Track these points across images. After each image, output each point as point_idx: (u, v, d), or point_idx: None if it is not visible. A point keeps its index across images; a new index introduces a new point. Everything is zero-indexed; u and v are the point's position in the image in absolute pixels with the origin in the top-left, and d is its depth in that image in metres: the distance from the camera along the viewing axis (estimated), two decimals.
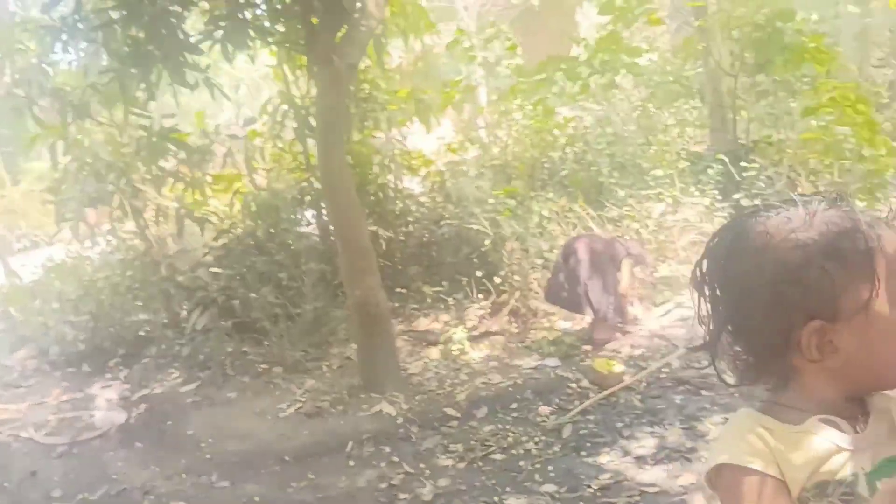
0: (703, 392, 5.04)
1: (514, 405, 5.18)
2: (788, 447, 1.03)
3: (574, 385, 5.39)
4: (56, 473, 5.05)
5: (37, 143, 7.44)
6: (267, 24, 6.02)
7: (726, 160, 7.99)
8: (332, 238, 7.46)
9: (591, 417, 4.89)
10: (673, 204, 7.68)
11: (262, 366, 6.43)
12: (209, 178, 7.80)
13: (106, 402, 6.21)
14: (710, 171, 8.12)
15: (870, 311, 1.00)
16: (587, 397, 5.17)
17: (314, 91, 7.37)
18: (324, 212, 7.73)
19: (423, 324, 7.04)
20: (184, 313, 7.10)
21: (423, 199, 8.23)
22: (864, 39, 13.35)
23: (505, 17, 17.19)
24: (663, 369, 5.46)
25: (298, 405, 5.62)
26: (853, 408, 1.06)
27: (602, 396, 5.06)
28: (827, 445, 1.02)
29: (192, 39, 5.43)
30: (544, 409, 5.07)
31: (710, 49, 9.13)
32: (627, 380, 5.25)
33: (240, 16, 5.61)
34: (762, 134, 9.20)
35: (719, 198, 7.84)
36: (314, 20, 5.28)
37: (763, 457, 1.03)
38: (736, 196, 7.80)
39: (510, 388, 5.46)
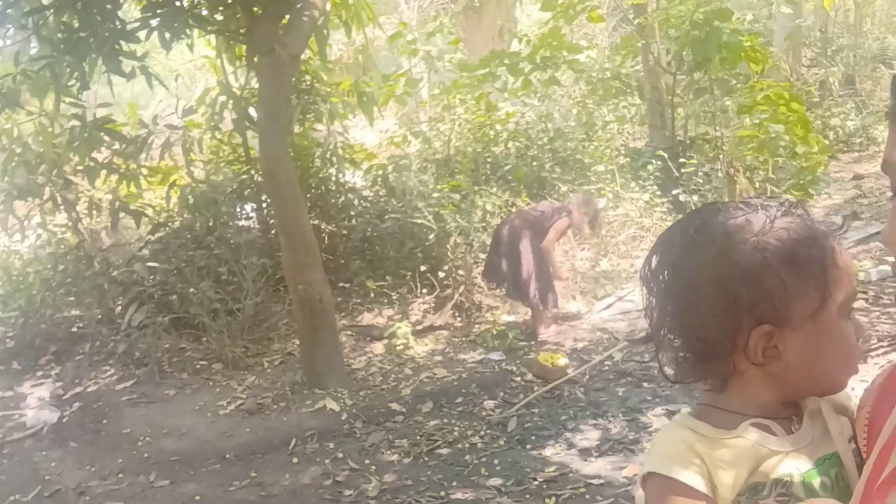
0: (645, 384, 5.13)
1: (460, 399, 5.17)
2: (721, 454, 1.03)
3: (518, 378, 5.42)
4: None
5: None
6: (205, 12, 5.89)
7: (665, 156, 8.12)
8: (274, 232, 7.37)
9: (536, 410, 4.92)
10: (614, 199, 7.77)
11: (201, 362, 6.29)
12: (144, 171, 7.59)
13: (37, 401, 5.99)
14: (649, 167, 8.24)
15: (817, 320, 1.03)
16: (532, 391, 5.20)
17: (253, 82, 7.28)
18: (264, 205, 7.62)
19: (366, 318, 6.98)
20: (118, 309, 6.90)
21: (366, 192, 8.17)
22: (796, 40, 13.73)
23: (445, 12, 17.22)
24: (606, 362, 5.53)
25: (239, 402, 5.51)
26: (788, 409, 1.08)
27: (546, 390, 5.09)
28: (760, 450, 1.03)
29: (128, 27, 5.25)
30: (489, 403, 5.08)
31: (650, 46, 9.26)
32: (571, 373, 5.28)
33: (177, 3, 5.46)
34: (699, 131, 9.38)
35: (658, 193, 7.97)
36: (255, 9, 5.17)
37: (693, 468, 1.03)
38: (675, 192, 7.94)
39: (455, 383, 5.45)
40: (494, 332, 6.21)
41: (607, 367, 5.46)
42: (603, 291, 6.95)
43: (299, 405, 5.33)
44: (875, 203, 8.70)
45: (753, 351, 1.03)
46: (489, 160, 8.98)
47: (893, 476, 0.77)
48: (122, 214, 7.21)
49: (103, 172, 7.15)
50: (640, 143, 9.82)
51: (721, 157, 8.34)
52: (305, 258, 5.44)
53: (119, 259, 7.27)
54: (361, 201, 7.98)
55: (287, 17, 5.34)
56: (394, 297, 7.06)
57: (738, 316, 1.03)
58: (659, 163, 8.21)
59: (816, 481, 1.01)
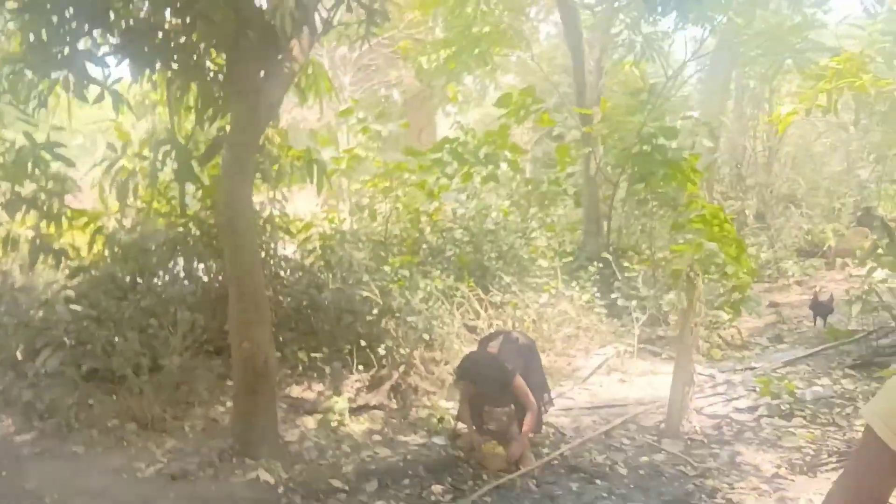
0: (598, 481, 4.95)
1: (406, 481, 4.86)
2: None
3: (466, 465, 5.15)
4: None
5: None
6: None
7: (610, 258, 8.23)
8: (203, 287, 7.00)
9: (489, 500, 4.66)
10: (555, 296, 7.76)
11: (113, 420, 5.73)
12: (67, 212, 7.12)
13: None
14: (590, 268, 8.32)
15: None
16: (480, 477, 4.95)
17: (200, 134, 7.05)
18: (197, 262, 7.24)
19: (294, 391, 6.59)
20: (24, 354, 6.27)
21: (304, 263, 7.89)
22: (711, 173, 14.46)
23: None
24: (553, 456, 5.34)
25: (160, 466, 5.01)
26: None
27: (503, 480, 4.84)
28: None
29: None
30: (437, 488, 4.79)
31: (591, 155, 9.52)
32: (523, 468, 5.05)
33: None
34: (632, 241, 9.60)
35: (598, 295, 8.02)
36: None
37: (889, 418, 1.13)
38: (613, 295, 8.02)
39: (400, 464, 5.13)
40: (437, 416, 5.95)
41: (556, 462, 5.26)
42: None
43: (228, 474, 4.89)
44: (795, 329, 9.03)
45: None
46: (426, 246, 8.86)
47: None
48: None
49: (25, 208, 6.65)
50: (572, 248, 9.93)
51: (656, 268, 8.51)
52: (255, 315, 5.10)
53: (30, 301, 6.67)
54: (293, 272, 7.69)
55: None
56: (326, 372, 6.72)
57: None
58: (600, 265, 8.31)
59: None
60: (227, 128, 6.82)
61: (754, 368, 7.27)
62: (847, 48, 8.77)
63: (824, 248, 13.42)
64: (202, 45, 5.25)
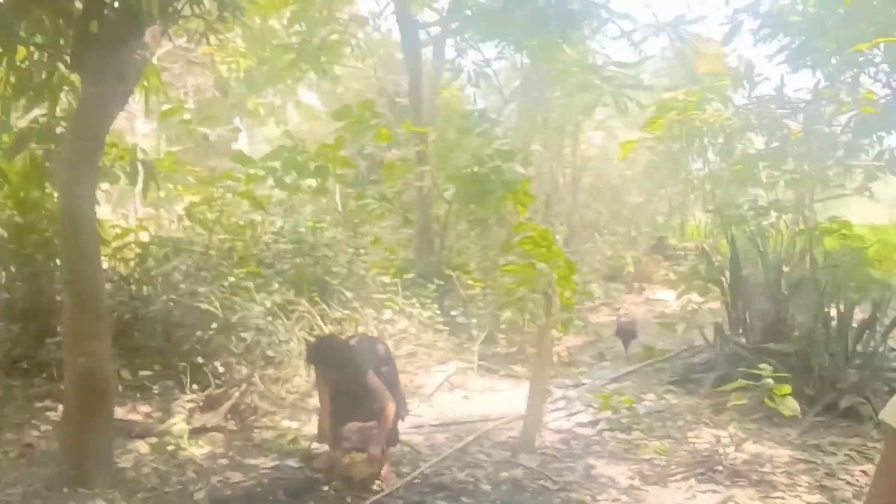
0: (464, 498, 4.87)
1: None
2: None
3: (327, 488, 4.88)
4: None
5: None
6: None
7: (453, 276, 8.26)
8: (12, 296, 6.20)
9: None
10: (399, 312, 7.66)
11: None
12: None
13: None
14: (430, 285, 8.31)
15: None
16: (344, 500, 4.71)
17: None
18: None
19: (118, 413, 5.95)
20: None
21: (122, 272, 7.23)
22: None
23: None
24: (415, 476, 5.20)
25: None
26: None
27: (369, 503, 4.63)
28: None
29: None
30: None
31: (425, 174, 9.55)
32: (387, 488, 4.87)
33: None
34: (463, 259, 9.72)
35: (438, 311, 8.02)
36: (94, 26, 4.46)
37: None
38: (453, 313, 8.04)
39: (258, 489, 4.77)
40: (289, 438, 5.61)
41: (418, 481, 5.11)
42: None
43: None
44: (612, 348, 9.51)
45: None
46: (254, 257, 8.42)
47: None
48: None
49: None
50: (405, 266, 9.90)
51: (487, 287, 8.66)
52: (94, 326, 4.55)
53: None
54: (120, 283, 7.03)
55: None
56: (154, 391, 6.18)
57: None
58: (441, 282, 8.32)
59: None
60: (42, 119, 6.20)
61: (584, 385, 7.56)
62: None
63: (624, 273, 14.40)
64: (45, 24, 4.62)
